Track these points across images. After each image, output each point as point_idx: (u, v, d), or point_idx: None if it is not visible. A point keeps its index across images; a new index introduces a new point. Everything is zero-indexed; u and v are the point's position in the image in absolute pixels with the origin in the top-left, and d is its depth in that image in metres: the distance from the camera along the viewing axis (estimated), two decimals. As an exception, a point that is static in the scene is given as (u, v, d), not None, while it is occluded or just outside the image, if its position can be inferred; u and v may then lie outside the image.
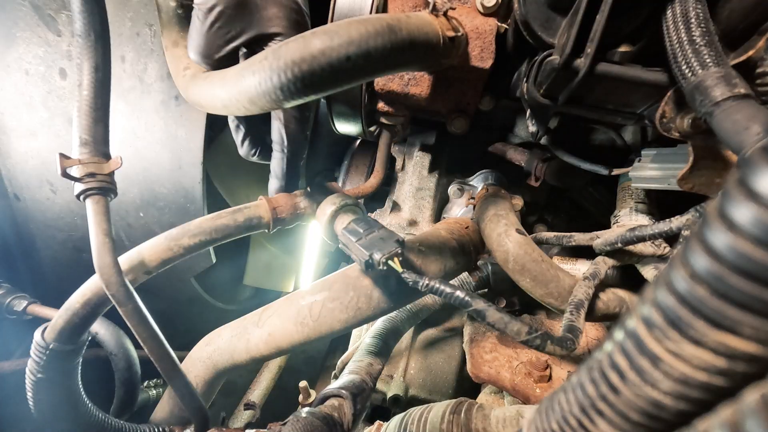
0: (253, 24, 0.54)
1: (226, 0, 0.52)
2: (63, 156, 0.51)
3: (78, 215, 0.99)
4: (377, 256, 0.54)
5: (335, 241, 0.64)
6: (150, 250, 0.58)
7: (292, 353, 1.32)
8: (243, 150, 0.69)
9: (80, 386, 0.61)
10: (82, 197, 0.52)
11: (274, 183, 0.67)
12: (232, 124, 0.67)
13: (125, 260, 0.57)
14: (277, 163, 0.65)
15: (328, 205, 0.64)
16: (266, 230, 0.65)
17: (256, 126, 0.67)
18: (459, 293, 0.50)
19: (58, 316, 0.56)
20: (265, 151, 0.69)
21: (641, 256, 0.69)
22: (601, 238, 0.70)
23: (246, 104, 0.47)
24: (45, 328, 0.57)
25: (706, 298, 0.17)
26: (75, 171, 0.51)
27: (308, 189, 0.68)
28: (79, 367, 0.61)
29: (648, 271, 0.69)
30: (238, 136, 0.68)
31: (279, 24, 0.54)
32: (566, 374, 0.75)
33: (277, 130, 0.62)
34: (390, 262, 0.54)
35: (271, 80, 0.44)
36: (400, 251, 0.55)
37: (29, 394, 0.58)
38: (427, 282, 0.52)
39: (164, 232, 0.59)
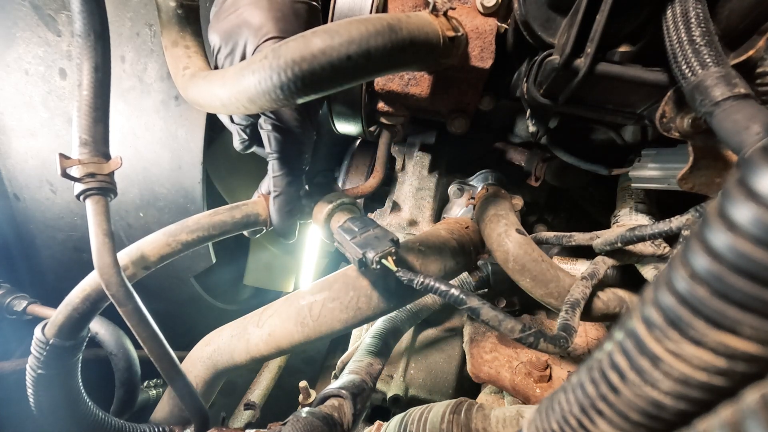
0: None
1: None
2: (63, 156, 0.51)
3: (78, 215, 0.99)
4: (371, 255, 0.54)
5: (332, 240, 0.64)
6: (149, 245, 0.59)
7: (292, 353, 1.32)
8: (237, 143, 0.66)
9: (80, 384, 0.62)
10: (82, 197, 0.52)
11: (272, 208, 0.64)
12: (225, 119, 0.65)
13: (124, 255, 0.58)
14: (275, 180, 0.62)
15: (325, 204, 0.64)
16: (264, 228, 0.65)
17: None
18: (454, 291, 0.50)
19: (58, 312, 0.57)
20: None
21: (641, 256, 0.69)
22: (601, 238, 0.70)
23: (245, 103, 0.47)
24: (45, 324, 0.58)
25: (706, 298, 0.17)
26: (75, 171, 0.51)
27: (307, 188, 0.68)
28: (79, 364, 0.62)
29: (648, 271, 0.69)
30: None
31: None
32: (566, 374, 0.75)
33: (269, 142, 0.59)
34: (384, 261, 0.54)
35: (271, 79, 0.44)
36: (394, 250, 0.55)
37: (29, 390, 0.58)
38: (421, 280, 0.52)
39: (163, 229, 0.60)
